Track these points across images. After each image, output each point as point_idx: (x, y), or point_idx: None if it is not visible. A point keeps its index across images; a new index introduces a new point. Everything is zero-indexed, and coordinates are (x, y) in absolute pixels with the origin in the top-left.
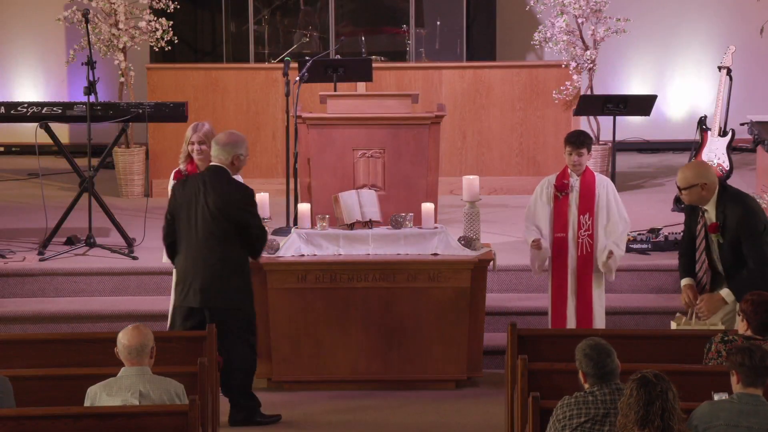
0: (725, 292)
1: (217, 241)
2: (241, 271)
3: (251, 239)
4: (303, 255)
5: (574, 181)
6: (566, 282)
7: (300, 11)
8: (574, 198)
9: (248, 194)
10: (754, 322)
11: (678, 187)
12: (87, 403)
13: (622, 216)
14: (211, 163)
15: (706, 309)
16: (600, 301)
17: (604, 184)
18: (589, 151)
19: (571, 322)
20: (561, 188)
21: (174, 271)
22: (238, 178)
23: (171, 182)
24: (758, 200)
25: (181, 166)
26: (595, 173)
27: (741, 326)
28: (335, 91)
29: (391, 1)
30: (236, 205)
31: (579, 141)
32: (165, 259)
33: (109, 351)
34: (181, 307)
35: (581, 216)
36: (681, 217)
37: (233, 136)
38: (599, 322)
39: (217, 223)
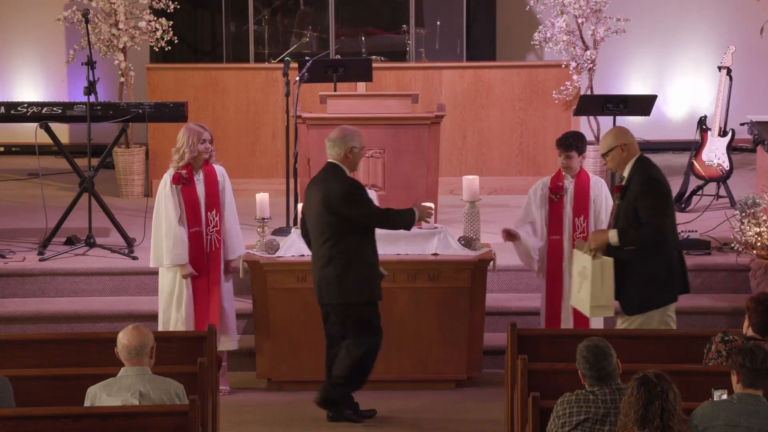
0: (612, 232)
1: (324, 238)
2: (347, 268)
3: (379, 227)
4: (303, 255)
5: (569, 183)
6: (561, 284)
7: (298, 11)
8: (568, 200)
9: (346, 189)
10: (755, 320)
11: (602, 156)
12: (87, 403)
13: (606, 219)
14: (327, 160)
15: (592, 239)
16: None
17: (599, 186)
18: (580, 153)
19: (565, 324)
20: (555, 190)
21: None
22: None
23: (167, 186)
24: (758, 200)
25: (181, 171)
26: (591, 174)
27: (744, 324)
28: (335, 91)
29: (391, 1)
30: (333, 201)
31: (567, 144)
32: (156, 264)
33: (109, 351)
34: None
35: (576, 218)
36: (681, 217)
37: (344, 130)
38: (596, 323)
39: (322, 219)
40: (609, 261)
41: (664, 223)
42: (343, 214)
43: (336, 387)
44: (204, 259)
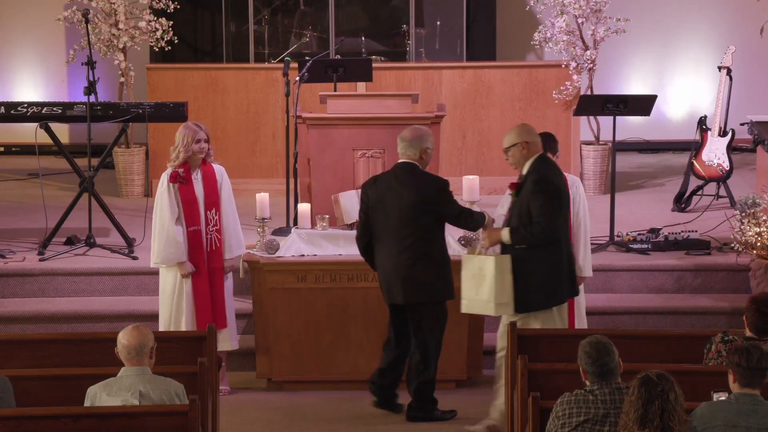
0: (505, 231)
1: (414, 238)
2: (437, 266)
3: (460, 226)
4: (303, 255)
5: None
6: None
7: (298, 11)
8: None
9: (442, 186)
10: (750, 320)
11: (503, 151)
12: (87, 403)
13: (583, 218)
14: (400, 160)
15: (486, 237)
16: (579, 302)
17: (576, 185)
18: (554, 153)
19: None
20: None
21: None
22: None
23: (165, 185)
24: (758, 200)
25: (178, 169)
26: (566, 174)
27: (745, 324)
28: (335, 91)
29: (391, 1)
30: (432, 198)
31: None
32: (153, 264)
33: (109, 351)
34: (389, 305)
35: None
36: (681, 217)
37: (418, 130)
38: (580, 323)
39: (413, 219)
40: (507, 258)
41: (555, 223)
42: (440, 212)
43: (427, 384)
44: (204, 258)
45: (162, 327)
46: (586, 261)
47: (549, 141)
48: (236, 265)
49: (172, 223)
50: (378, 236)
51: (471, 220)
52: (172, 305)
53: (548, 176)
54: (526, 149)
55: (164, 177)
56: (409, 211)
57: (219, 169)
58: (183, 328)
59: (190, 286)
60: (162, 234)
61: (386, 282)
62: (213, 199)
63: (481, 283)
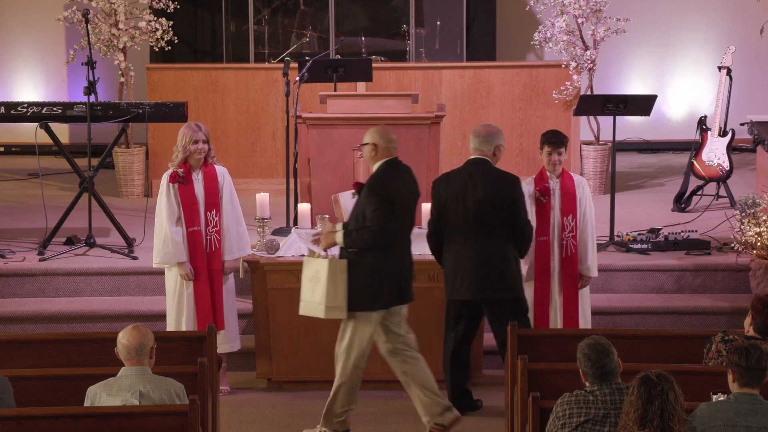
0: (340, 233)
1: (489, 233)
2: (512, 259)
3: (517, 232)
4: (303, 255)
5: (554, 183)
6: (549, 285)
7: (299, 11)
8: (556, 200)
9: (515, 181)
10: (758, 321)
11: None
12: (87, 403)
13: (590, 218)
14: (473, 156)
15: (323, 239)
16: (584, 301)
17: (582, 185)
18: (566, 150)
19: (553, 324)
20: (544, 192)
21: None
22: None
23: (166, 185)
24: (758, 200)
25: (178, 169)
26: (572, 174)
27: (746, 322)
28: (335, 91)
29: (391, 1)
30: (505, 193)
31: (558, 140)
32: (154, 264)
33: (109, 351)
34: (454, 300)
35: (564, 218)
36: (681, 217)
37: (491, 128)
38: (584, 322)
39: (486, 214)
40: (343, 262)
41: (384, 228)
42: (510, 208)
43: None
44: (204, 259)
45: (168, 326)
46: (593, 261)
47: (566, 138)
48: (236, 267)
49: (169, 224)
50: (449, 233)
51: (530, 233)
52: (174, 305)
53: (386, 181)
54: (375, 151)
55: (165, 177)
56: (483, 206)
57: (221, 171)
58: (184, 328)
59: (191, 287)
60: (160, 234)
61: (454, 277)
62: (213, 200)
63: (316, 285)
